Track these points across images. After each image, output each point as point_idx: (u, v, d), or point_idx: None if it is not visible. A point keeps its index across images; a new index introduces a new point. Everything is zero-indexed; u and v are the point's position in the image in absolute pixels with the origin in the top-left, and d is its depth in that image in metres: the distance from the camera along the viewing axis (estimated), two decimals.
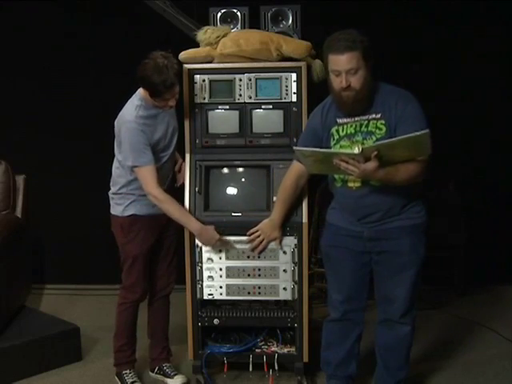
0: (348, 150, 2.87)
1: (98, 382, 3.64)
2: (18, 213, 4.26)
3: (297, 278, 3.35)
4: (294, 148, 3.00)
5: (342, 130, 2.97)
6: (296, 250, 3.33)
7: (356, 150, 2.78)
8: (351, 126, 2.95)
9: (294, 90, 3.36)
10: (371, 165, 2.76)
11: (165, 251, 3.47)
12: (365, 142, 2.90)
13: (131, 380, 3.49)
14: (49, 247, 5.11)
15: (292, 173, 3.20)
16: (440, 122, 4.65)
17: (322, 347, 3.31)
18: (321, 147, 2.98)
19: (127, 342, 3.50)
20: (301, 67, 3.33)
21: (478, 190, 4.77)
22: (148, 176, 3.20)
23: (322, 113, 3.06)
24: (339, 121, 2.99)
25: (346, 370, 3.26)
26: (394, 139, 2.79)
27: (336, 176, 3.02)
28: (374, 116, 2.93)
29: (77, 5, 4.75)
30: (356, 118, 2.95)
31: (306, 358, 3.42)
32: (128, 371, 3.52)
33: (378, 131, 2.91)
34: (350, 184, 2.98)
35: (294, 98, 3.36)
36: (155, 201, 3.23)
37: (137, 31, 4.66)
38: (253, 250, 3.32)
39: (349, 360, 3.25)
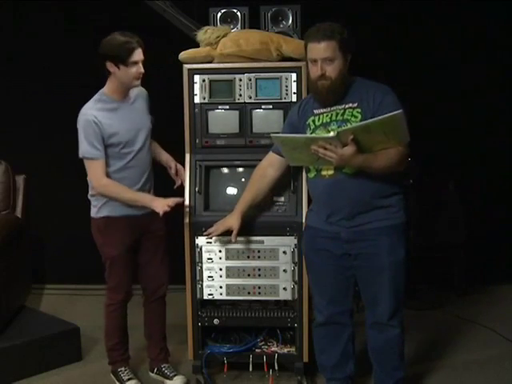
0: (324, 134, 2.88)
1: (98, 382, 3.64)
2: (18, 213, 4.26)
3: (297, 278, 3.35)
4: (271, 135, 3.00)
5: (318, 120, 2.99)
6: (296, 250, 3.33)
7: (331, 134, 2.79)
8: (327, 115, 2.98)
9: (294, 89, 3.37)
10: (349, 149, 2.77)
11: (152, 253, 3.44)
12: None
13: (127, 377, 3.50)
14: (49, 247, 5.11)
15: (263, 162, 3.22)
16: (440, 122, 4.69)
17: (316, 353, 3.30)
18: None
19: (119, 341, 3.51)
20: (301, 67, 3.33)
21: (478, 190, 4.77)
22: (97, 170, 3.22)
23: (300, 106, 3.11)
24: (316, 111, 3.01)
25: (343, 371, 3.25)
26: (368, 121, 2.79)
27: (310, 167, 3.02)
28: (350, 105, 2.95)
29: (77, 4, 4.75)
30: (332, 108, 2.97)
31: (306, 358, 3.42)
32: (123, 369, 3.52)
33: (353, 118, 2.92)
34: (324, 172, 2.97)
35: (294, 98, 3.36)
36: (103, 189, 3.24)
37: (137, 31, 4.65)
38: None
39: (344, 361, 3.24)
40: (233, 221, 3.23)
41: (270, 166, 3.20)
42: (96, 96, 3.29)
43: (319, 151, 2.79)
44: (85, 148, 3.22)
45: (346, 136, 2.75)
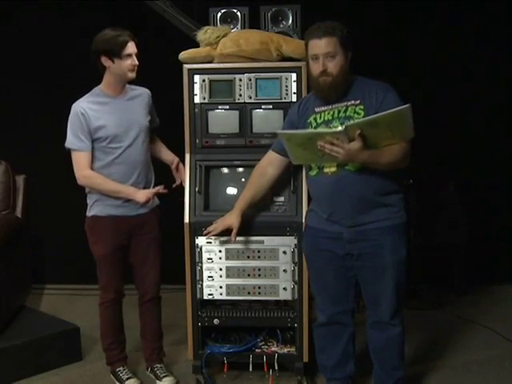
0: (332, 129, 2.86)
1: (98, 382, 3.64)
2: (18, 213, 4.26)
3: (297, 278, 3.35)
4: (277, 132, 2.98)
5: (320, 118, 2.98)
6: (296, 250, 3.33)
7: (339, 128, 2.77)
8: (328, 113, 2.97)
9: (294, 89, 3.36)
10: (356, 144, 2.75)
11: (143, 254, 3.44)
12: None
13: (126, 376, 3.51)
14: (49, 247, 5.11)
15: (263, 160, 3.21)
16: (440, 122, 4.69)
17: (316, 352, 3.30)
18: None
19: (114, 341, 3.52)
20: (301, 67, 3.33)
21: (478, 190, 4.77)
22: (80, 161, 3.26)
23: (300, 105, 3.11)
24: (317, 109, 3.00)
25: (343, 371, 3.25)
26: (377, 115, 2.78)
27: (312, 165, 3.01)
28: (352, 102, 2.94)
29: (76, 4, 4.75)
30: (333, 106, 2.96)
31: (306, 358, 3.42)
32: (121, 368, 3.53)
33: (356, 115, 2.91)
34: (326, 170, 2.95)
35: (294, 98, 3.36)
36: (86, 181, 3.30)
37: (137, 31, 4.65)
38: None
39: (345, 361, 3.24)
40: (232, 219, 3.22)
41: (269, 165, 3.20)
42: (91, 91, 3.33)
43: (326, 147, 2.77)
44: (70, 139, 3.27)
45: (353, 131, 2.74)
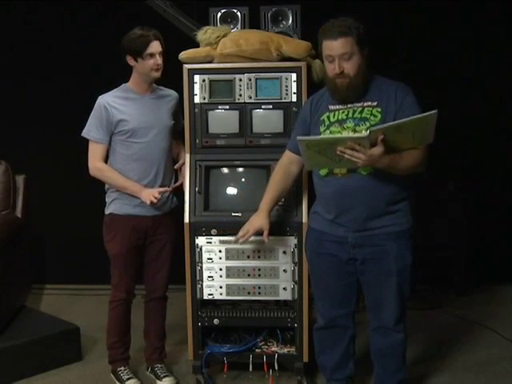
0: (356, 134, 2.79)
1: (98, 381, 3.64)
2: (18, 213, 4.26)
3: (297, 278, 3.35)
4: (298, 138, 2.79)
5: (333, 116, 2.92)
6: (296, 250, 3.33)
7: (364, 133, 2.70)
8: (343, 112, 2.91)
9: (294, 89, 3.36)
10: (378, 150, 2.68)
11: (154, 254, 3.45)
12: (356, 128, 2.84)
13: (127, 376, 3.51)
14: (49, 247, 5.11)
15: (283, 160, 3.15)
16: (440, 122, 4.68)
17: (316, 353, 3.28)
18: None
19: (119, 340, 3.52)
20: (301, 67, 3.33)
21: (478, 190, 4.77)
22: (94, 152, 3.33)
23: (312, 102, 3.05)
24: (331, 107, 2.95)
25: (343, 371, 3.24)
26: (403, 120, 2.71)
27: None
28: (369, 103, 2.89)
29: (76, 4, 4.75)
30: (349, 105, 2.91)
31: (306, 358, 3.42)
32: (122, 368, 3.53)
33: (372, 118, 2.85)
34: (336, 171, 2.89)
35: (294, 98, 3.36)
36: (96, 172, 3.34)
37: None
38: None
39: (345, 362, 3.22)
40: (261, 221, 3.12)
41: (291, 164, 3.12)
42: (120, 86, 3.38)
43: (347, 152, 2.69)
44: (88, 128, 3.34)
45: (375, 135, 2.67)
